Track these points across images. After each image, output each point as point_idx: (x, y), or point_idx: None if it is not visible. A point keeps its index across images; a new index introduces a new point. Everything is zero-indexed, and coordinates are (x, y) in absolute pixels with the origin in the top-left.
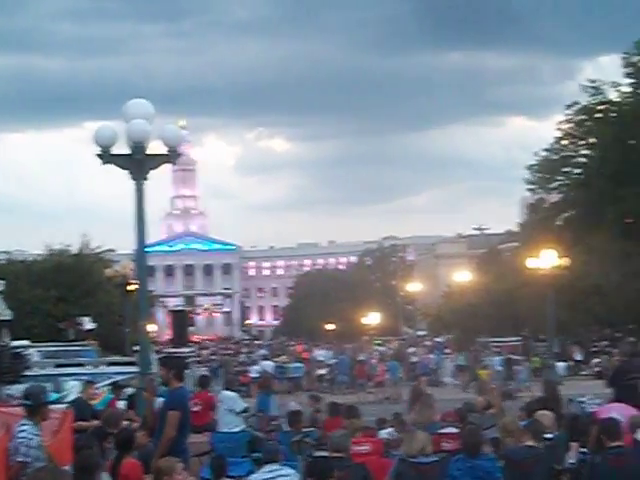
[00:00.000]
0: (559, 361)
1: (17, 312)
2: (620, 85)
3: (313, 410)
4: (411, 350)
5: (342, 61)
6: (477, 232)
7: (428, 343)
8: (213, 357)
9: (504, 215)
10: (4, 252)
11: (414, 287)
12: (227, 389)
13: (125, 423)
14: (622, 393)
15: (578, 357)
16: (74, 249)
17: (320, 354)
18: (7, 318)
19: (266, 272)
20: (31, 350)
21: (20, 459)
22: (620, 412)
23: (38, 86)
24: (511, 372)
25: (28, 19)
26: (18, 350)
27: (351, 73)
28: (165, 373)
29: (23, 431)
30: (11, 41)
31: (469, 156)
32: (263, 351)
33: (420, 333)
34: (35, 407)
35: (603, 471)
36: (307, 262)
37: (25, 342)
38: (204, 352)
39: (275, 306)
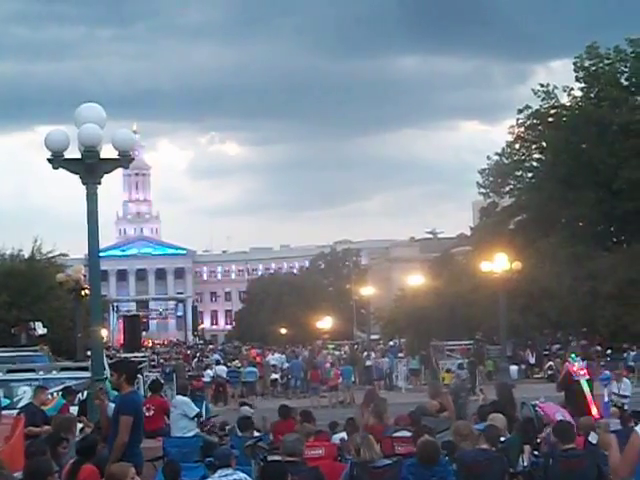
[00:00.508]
0: (512, 364)
1: None
2: (572, 89)
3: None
4: (364, 354)
5: (295, 65)
6: (430, 236)
7: (381, 347)
8: (166, 362)
9: (457, 219)
10: None
11: (367, 291)
12: (180, 394)
13: (87, 430)
14: (572, 396)
15: (531, 360)
16: (26, 254)
17: (273, 358)
18: None
19: (219, 276)
20: None
21: None
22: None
23: None
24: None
25: None
26: None
27: (304, 77)
28: (116, 378)
29: None
30: None
31: (422, 160)
32: (216, 356)
33: (373, 337)
34: None
35: (556, 473)
36: (260, 266)
37: None
38: (156, 357)
39: (228, 310)
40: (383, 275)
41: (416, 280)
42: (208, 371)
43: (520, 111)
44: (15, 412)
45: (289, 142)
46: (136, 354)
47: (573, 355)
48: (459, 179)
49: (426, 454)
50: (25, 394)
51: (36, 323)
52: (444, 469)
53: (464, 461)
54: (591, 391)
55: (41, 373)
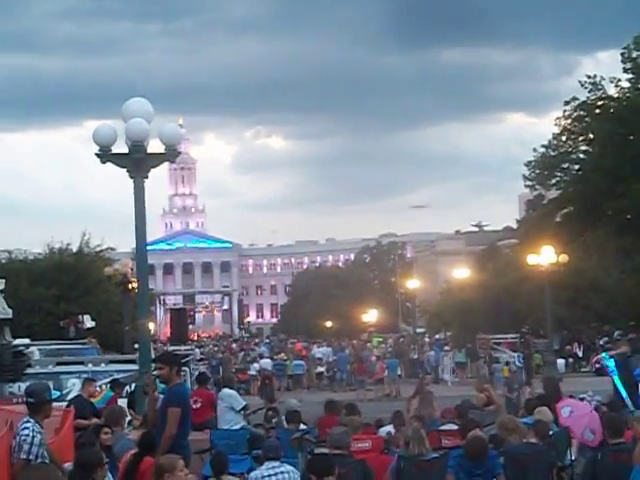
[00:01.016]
0: (559, 358)
1: (18, 311)
2: (619, 81)
3: (267, 411)
4: (410, 347)
5: (340, 58)
6: (476, 229)
7: (427, 340)
8: (212, 355)
9: (503, 212)
10: (5, 251)
11: (413, 284)
12: (226, 387)
13: (135, 423)
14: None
15: (578, 353)
16: (74, 248)
17: (319, 351)
18: (8, 317)
19: (265, 270)
20: (32, 348)
21: (23, 457)
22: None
23: (38, 86)
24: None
25: (28, 19)
26: (19, 348)
27: (349, 71)
28: (167, 371)
29: (26, 429)
30: (11, 41)
31: (467, 153)
32: (263, 348)
33: (419, 330)
34: (38, 405)
35: (604, 467)
36: (305, 260)
37: (26, 340)
38: (204, 350)
39: (274, 304)
40: (428, 268)
41: (462, 273)
42: (254, 364)
43: (567, 103)
44: (64, 404)
45: (334, 136)
46: (182, 347)
47: (604, 354)
48: (505, 172)
49: (474, 450)
50: (74, 386)
51: (84, 316)
52: (492, 462)
53: (512, 455)
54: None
55: (90, 366)
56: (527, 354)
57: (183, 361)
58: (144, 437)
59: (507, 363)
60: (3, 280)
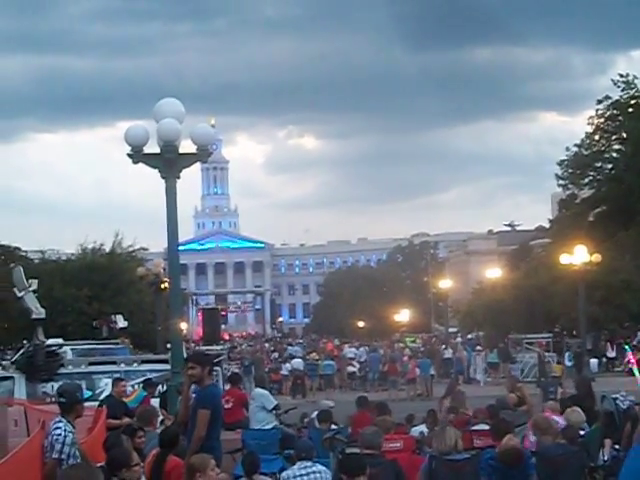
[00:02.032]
0: (592, 357)
1: (51, 311)
2: None
3: None
4: (442, 347)
5: (371, 58)
6: (508, 228)
7: (459, 340)
8: (245, 355)
9: (535, 211)
10: (38, 251)
11: (445, 284)
12: (258, 386)
13: (167, 423)
14: None
15: (611, 353)
16: (107, 248)
17: (351, 351)
18: (41, 317)
19: (297, 270)
20: (65, 348)
21: (55, 456)
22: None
23: (70, 86)
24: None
25: (59, 20)
26: (52, 348)
27: (380, 70)
28: (200, 371)
29: (58, 428)
30: (43, 42)
31: (499, 152)
32: (297, 348)
33: (451, 330)
34: (70, 404)
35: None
36: (337, 259)
37: (59, 340)
38: (236, 350)
39: (306, 303)
40: (461, 268)
41: (494, 273)
42: (286, 364)
43: (600, 102)
44: (96, 404)
45: (366, 135)
46: (215, 347)
47: (627, 346)
48: (537, 171)
49: (509, 461)
50: (107, 386)
51: (117, 316)
52: (526, 465)
53: (545, 455)
54: None
55: (122, 365)
56: (580, 352)
57: (215, 361)
58: (164, 434)
59: (559, 362)
60: (36, 280)
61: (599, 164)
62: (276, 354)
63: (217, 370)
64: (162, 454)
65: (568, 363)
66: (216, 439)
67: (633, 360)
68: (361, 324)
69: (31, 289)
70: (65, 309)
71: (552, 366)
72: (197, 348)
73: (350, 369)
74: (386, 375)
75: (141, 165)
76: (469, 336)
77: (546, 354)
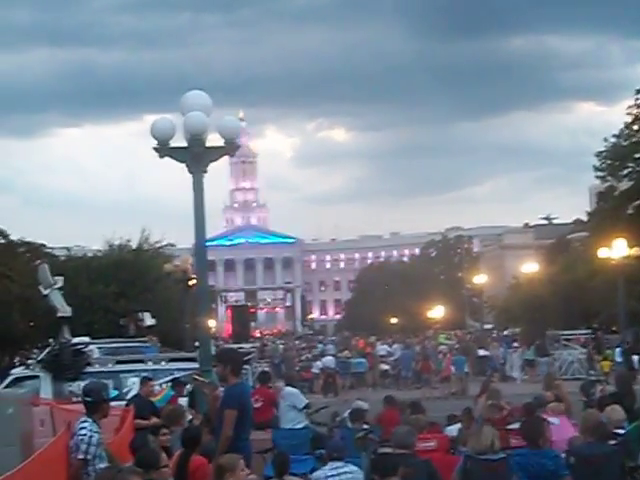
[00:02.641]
0: (633, 354)
1: (77, 308)
2: None
3: None
4: (477, 344)
5: (402, 48)
6: (544, 222)
7: (495, 336)
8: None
9: (572, 204)
10: (64, 248)
11: (480, 279)
12: (288, 385)
13: (195, 422)
14: None
15: None
16: (134, 244)
17: (383, 349)
18: (67, 314)
19: (328, 265)
20: (91, 346)
21: (80, 456)
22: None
23: (96, 80)
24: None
25: (86, 13)
26: (79, 347)
27: (412, 60)
28: (221, 369)
29: (83, 428)
30: (69, 35)
31: (534, 143)
32: (330, 346)
33: (487, 326)
34: (96, 404)
35: None
36: (369, 255)
37: (85, 338)
38: (265, 347)
39: (337, 300)
40: (496, 262)
41: (530, 267)
42: (317, 362)
43: (638, 91)
44: (124, 403)
45: (398, 127)
46: (244, 345)
47: None
48: (574, 162)
49: (530, 435)
50: (134, 385)
51: (144, 314)
52: (549, 459)
53: (581, 454)
54: None
55: (150, 364)
56: (631, 347)
57: (245, 359)
58: (186, 433)
59: (605, 358)
60: (62, 278)
61: (638, 155)
62: (307, 352)
63: (247, 368)
64: (185, 454)
65: (618, 359)
66: (245, 439)
67: None
68: (394, 321)
69: (57, 287)
70: (91, 307)
71: (597, 363)
72: (225, 346)
73: (383, 367)
74: (419, 373)
75: (168, 159)
76: (505, 332)
77: (584, 350)
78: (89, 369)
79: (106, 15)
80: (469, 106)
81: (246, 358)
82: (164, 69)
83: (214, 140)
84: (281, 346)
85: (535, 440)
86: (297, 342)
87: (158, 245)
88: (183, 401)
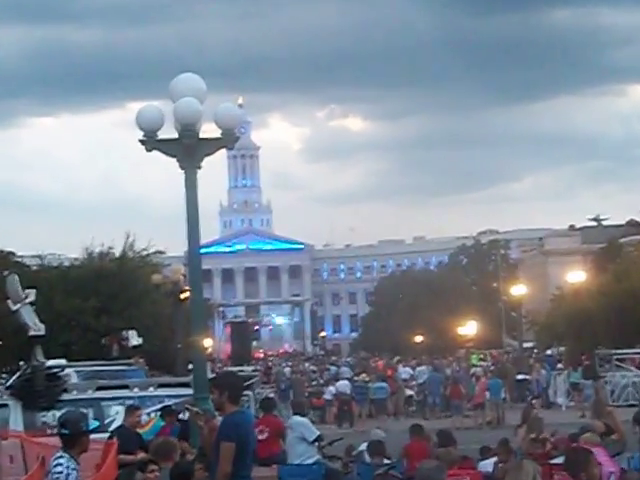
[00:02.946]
0: None
1: (52, 326)
2: None
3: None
4: (516, 365)
5: (427, 24)
6: (593, 223)
7: (536, 357)
8: (280, 376)
9: (625, 202)
10: (36, 256)
11: (518, 290)
12: (297, 414)
13: (188, 457)
14: None
15: None
16: (117, 252)
17: (407, 371)
18: (40, 333)
19: (342, 275)
20: (69, 370)
21: None
22: None
23: (71, 61)
24: None
25: None
26: (54, 370)
27: (439, 37)
28: (217, 396)
29: (59, 465)
30: (37, 10)
31: (581, 133)
32: (344, 368)
33: (526, 345)
34: (73, 437)
35: None
36: (390, 263)
37: (62, 361)
38: (270, 370)
39: (353, 315)
40: (537, 271)
41: (577, 276)
42: (330, 387)
43: None
44: (106, 436)
45: (423, 114)
46: (245, 367)
47: None
48: (627, 154)
49: (572, 468)
50: (118, 415)
51: (129, 332)
52: None
53: None
54: None
55: (136, 390)
56: None
57: (246, 384)
58: (175, 469)
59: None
60: (34, 290)
61: None
62: (318, 375)
63: (248, 395)
64: None
65: None
66: (246, 476)
67: None
68: (419, 339)
69: (28, 301)
70: (68, 324)
71: None
72: (222, 369)
73: (406, 392)
74: (449, 399)
75: (156, 153)
76: (548, 352)
77: None
78: (65, 396)
79: None
80: (505, 90)
81: (247, 383)
82: (150, 49)
83: (209, 131)
84: (288, 369)
85: (577, 476)
86: (307, 364)
87: (145, 253)
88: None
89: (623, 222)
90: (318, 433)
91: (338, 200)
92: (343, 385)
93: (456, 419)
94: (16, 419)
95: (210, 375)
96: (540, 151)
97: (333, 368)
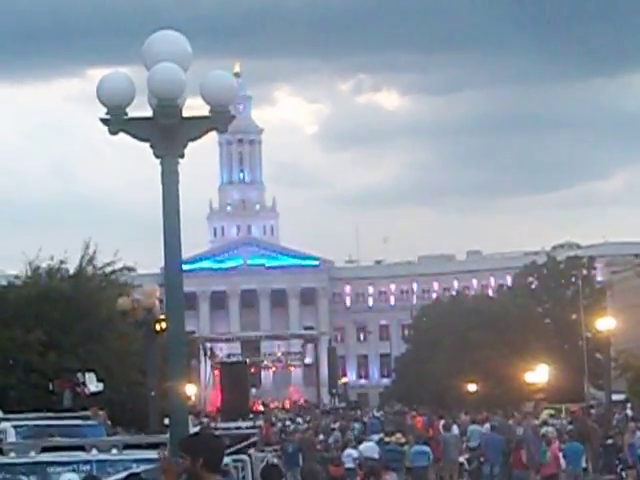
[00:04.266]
0: None
1: None
2: None
3: None
4: (603, 425)
5: None
6: None
7: (630, 413)
8: (287, 435)
9: None
10: None
11: (606, 323)
12: None
13: None
14: None
15: None
16: (71, 267)
17: (456, 431)
18: None
19: (370, 302)
20: (5, 425)
21: None
22: None
23: (10, 14)
24: None
25: None
26: None
27: None
28: (190, 463)
29: None
30: None
31: None
32: (372, 426)
33: (616, 397)
34: None
35: None
36: (434, 285)
37: None
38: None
39: (385, 355)
40: (631, 298)
41: None
42: (350, 450)
43: None
44: None
45: (477, 89)
46: (241, 423)
47: None
48: None
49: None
50: None
51: (87, 375)
52: None
53: None
54: None
55: (94, 452)
56: None
57: (241, 445)
58: None
59: None
60: None
61: None
62: (337, 434)
63: (243, 460)
64: None
65: None
66: None
67: None
68: (472, 388)
69: None
70: (5, 363)
71: None
72: (211, 425)
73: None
74: (512, 468)
75: (123, 137)
76: None
77: None
78: (0, 459)
79: None
80: (590, 57)
81: (240, 445)
82: None
83: (195, 107)
84: (297, 425)
85: None
86: (322, 420)
87: (109, 269)
88: None
89: None
90: None
91: (366, 202)
92: (370, 448)
93: None
94: None
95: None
96: (635, 139)
97: (357, 426)
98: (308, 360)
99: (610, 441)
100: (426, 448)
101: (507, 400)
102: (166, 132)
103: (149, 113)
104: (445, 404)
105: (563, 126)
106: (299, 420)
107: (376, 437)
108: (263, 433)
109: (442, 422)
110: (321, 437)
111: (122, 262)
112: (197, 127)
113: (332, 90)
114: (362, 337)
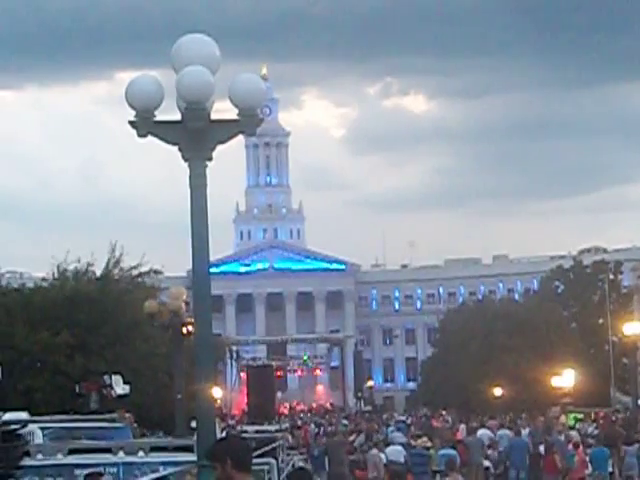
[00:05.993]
0: None
1: (11, 368)
2: None
3: None
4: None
5: None
6: None
7: None
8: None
9: None
10: None
11: (633, 328)
12: None
13: None
14: None
15: None
16: (98, 270)
17: (482, 435)
18: None
19: (396, 305)
20: (32, 427)
21: None
22: None
23: (40, 16)
24: None
25: None
26: (12, 427)
27: None
28: (220, 469)
29: None
30: None
31: None
32: (398, 430)
33: None
34: None
35: None
36: (461, 289)
37: (23, 415)
38: (299, 430)
39: (411, 359)
40: None
41: None
42: (375, 452)
43: None
44: None
45: (507, 93)
46: (267, 426)
47: None
48: None
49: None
50: None
51: (113, 377)
52: None
53: None
54: None
55: (121, 455)
56: None
57: (267, 448)
58: None
59: None
60: None
61: None
62: (362, 438)
63: (270, 463)
64: None
65: None
66: None
67: None
68: (498, 392)
69: None
70: (32, 365)
71: None
72: (238, 429)
73: (483, 463)
74: (538, 473)
75: (152, 140)
76: None
77: None
78: (28, 461)
79: None
80: (614, 63)
81: (269, 447)
82: (145, 2)
83: (223, 110)
84: (318, 429)
85: None
86: (348, 423)
87: (136, 272)
88: None
89: None
90: None
91: (392, 205)
92: (396, 451)
93: None
94: None
95: (219, 435)
96: None
97: (384, 430)
98: (334, 363)
99: (636, 446)
100: (453, 452)
101: (533, 404)
102: (194, 135)
103: (177, 116)
104: (471, 408)
105: (590, 130)
106: (326, 421)
107: (402, 440)
108: (302, 436)
109: (462, 426)
110: (351, 438)
111: (149, 265)
112: (225, 130)
113: (359, 93)
114: (388, 341)
